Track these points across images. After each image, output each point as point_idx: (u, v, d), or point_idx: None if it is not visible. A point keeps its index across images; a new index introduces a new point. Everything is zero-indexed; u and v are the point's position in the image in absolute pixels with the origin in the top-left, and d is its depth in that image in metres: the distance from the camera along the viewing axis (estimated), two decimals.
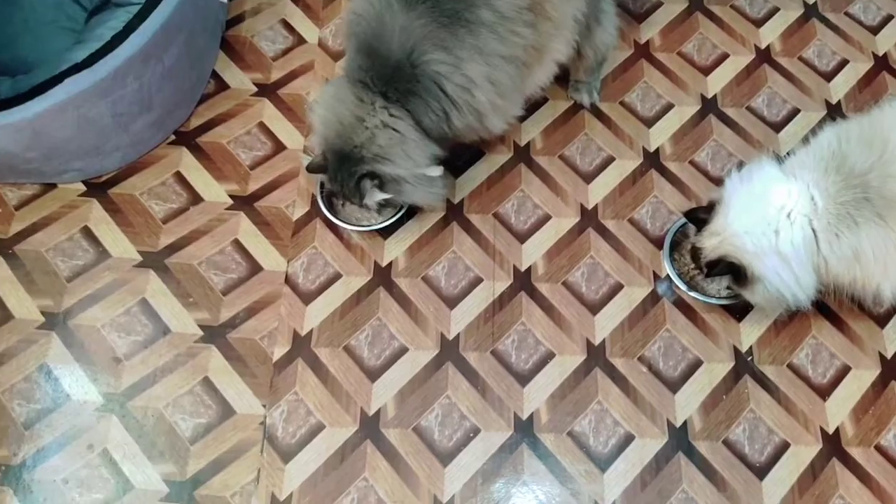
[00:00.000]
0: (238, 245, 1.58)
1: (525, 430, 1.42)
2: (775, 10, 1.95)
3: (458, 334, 1.51)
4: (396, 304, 1.53)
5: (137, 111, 1.55)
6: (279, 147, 1.70)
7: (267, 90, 1.77)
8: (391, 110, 1.37)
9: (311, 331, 1.50)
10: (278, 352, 1.47)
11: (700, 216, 1.42)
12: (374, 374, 1.46)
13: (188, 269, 1.55)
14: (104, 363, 1.44)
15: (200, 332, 1.48)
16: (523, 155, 1.72)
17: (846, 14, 1.95)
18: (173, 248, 1.56)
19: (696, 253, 1.45)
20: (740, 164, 1.41)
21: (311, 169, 1.47)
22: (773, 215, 1.31)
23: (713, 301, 1.53)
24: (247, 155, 1.69)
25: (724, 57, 1.88)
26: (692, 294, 1.53)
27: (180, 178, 1.65)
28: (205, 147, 1.69)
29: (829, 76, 1.85)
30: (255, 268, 1.56)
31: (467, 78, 1.38)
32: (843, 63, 1.87)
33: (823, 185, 1.29)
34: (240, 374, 1.45)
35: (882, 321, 1.56)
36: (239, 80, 1.79)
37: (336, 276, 1.55)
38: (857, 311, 1.56)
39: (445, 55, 1.36)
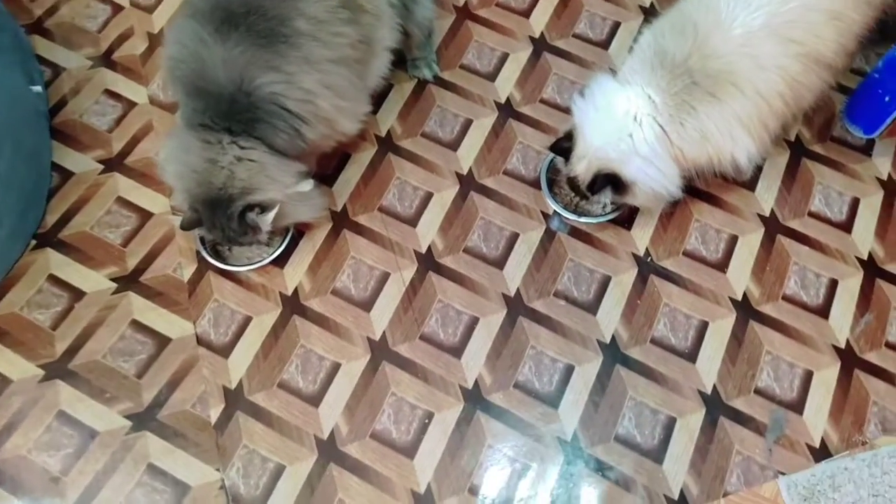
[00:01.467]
0: (137, 325, 1.53)
1: (474, 398, 1.46)
2: None
3: (384, 332, 1.52)
4: (315, 326, 1.53)
5: None
6: (146, 216, 1.65)
7: (113, 164, 1.71)
8: (240, 143, 1.36)
9: (241, 381, 1.47)
10: (214, 413, 1.44)
11: (564, 146, 1.49)
12: (315, 400, 1.46)
13: (94, 366, 1.49)
14: (43, 487, 1.37)
15: (129, 423, 1.43)
16: (388, 144, 1.74)
17: None
18: (72, 350, 1.50)
19: (573, 182, 1.52)
20: (582, 90, 1.48)
21: (186, 226, 1.44)
22: (622, 122, 1.39)
23: (602, 219, 1.61)
24: (115, 234, 1.63)
25: None
26: (582, 220, 1.61)
27: (55, 279, 1.57)
28: (69, 241, 1.61)
29: None
30: (162, 341, 1.51)
31: (304, 90, 1.39)
32: None
33: (655, 82, 1.38)
34: (183, 448, 1.41)
35: (751, 185, 1.69)
36: (82, 163, 1.71)
37: (247, 321, 1.53)
38: (726, 184, 1.68)
39: (276, 74, 1.36)
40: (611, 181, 1.43)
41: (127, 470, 1.39)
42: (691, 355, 1.50)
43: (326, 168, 1.70)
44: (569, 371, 1.49)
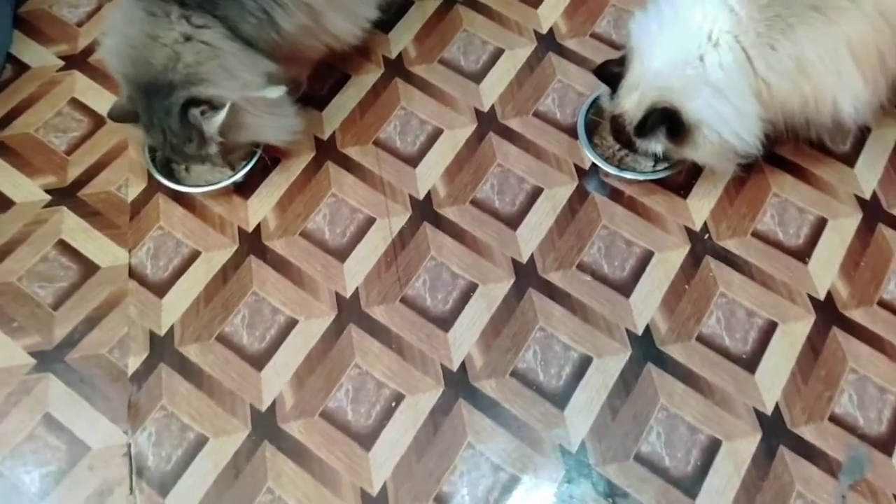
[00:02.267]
0: (64, 246, 1.26)
1: (459, 382, 1.14)
2: None
3: (357, 289, 1.21)
4: (274, 272, 1.23)
5: None
6: (99, 122, 1.38)
7: (76, 62, 1.45)
8: (193, 19, 1.07)
9: (172, 327, 1.19)
10: (133, 363, 1.16)
11: (613, 70, 1.16)
12: (260, 361, 1.16)
13: (6, 288, 1.22)
14: None
15: (33, 361, 1.16)
16: (397, 68, 1.43)
17: None
18: None
19: (617, 124, 1.19)
20: (646, 4, 1.15)
21: (115, 115, 1.16)
22: (692, 41, 1.05)
23: (652, 176, 1.27)
24: (61, 139, 1.36)
25: None
26: (625, 175, 1.26)
27: None
28: (8, 142, 1.36)
29: None
30: (89, 268, 1.24)
31: None
32: None
33: None
34: (88, 400, 1.13)
35: (850, 159, 1.31)
36: (41, 57, 1.46)
37: (193, 256, 1.25)
38: (818, 153, 1.31)
39: None
40: (668, 119, 1.09)
41: (19, 417, 1.12)
42: (750, 363, 1.14)
43: (319, 89, 1.40)
44: (584, 363, 1.15)
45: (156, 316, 1.20)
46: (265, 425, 1.11)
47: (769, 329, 1.17)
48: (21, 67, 1.45)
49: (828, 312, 1.18)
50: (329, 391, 1.13)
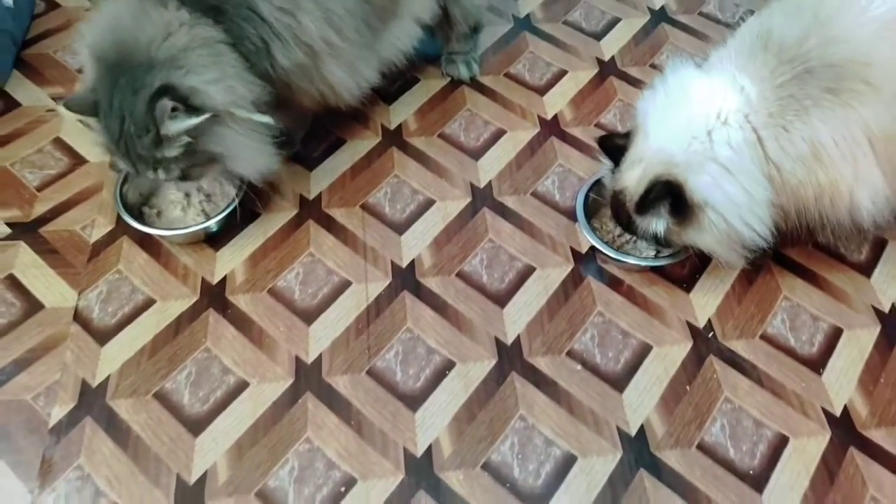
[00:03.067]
0: (12, 281, 1.16)
1: (421, 471, 0.98)
2: None
3: (321, 355, 1.09)
4: (232, 328, 1.11)
5: None
6: (78, 162, 1.32)
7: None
8: (195, 15, 1.00)
9: (108, 378, 1.06)
10: (57, 413, 1.02)
11: (616, 143, 1.10)
12: (198, 426, 1.02)
13: None
14: None
15: None
16: (394, 138, 1.39)
17: None
18: None
19: (617, 201, 1.11)
20: (653, 80, 1.11)
21: (73, 105, 1.01)
22: (700, 118, 0.99)
23: (653, 263, 1.17)
24: (34, 175, 1.30)
25: (616, 21, 1.64)
26: (625, 259, 1.17)
27: None
28: None
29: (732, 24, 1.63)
30: (33, 306, 1.13)
31: None
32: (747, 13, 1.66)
33: (752, 69, 0.99)
34: None
35: (866, 268, 1.22)
36: (35, 97, 1.43)
37: (147, 304, 1.14)
38: (832, 259, 1.22)
39: None
40: (671, 193, 1.00)
41: None
42: (758, 480, 0.99)
43: (313, 150, 1.35)
44: (568, 462, 1.00)
45: (92, 364, 1.07)
46: (190, 501, 0.95)
47: (779, 444, 1.03)
48: (11, 104, 1.42)
49: (845, 430, 1.04)
50: (271, 467, 0.98)
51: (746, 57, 1.00)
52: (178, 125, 0.97)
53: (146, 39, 0.96)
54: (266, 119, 1.05)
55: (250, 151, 1.07)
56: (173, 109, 0.96)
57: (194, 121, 0.96)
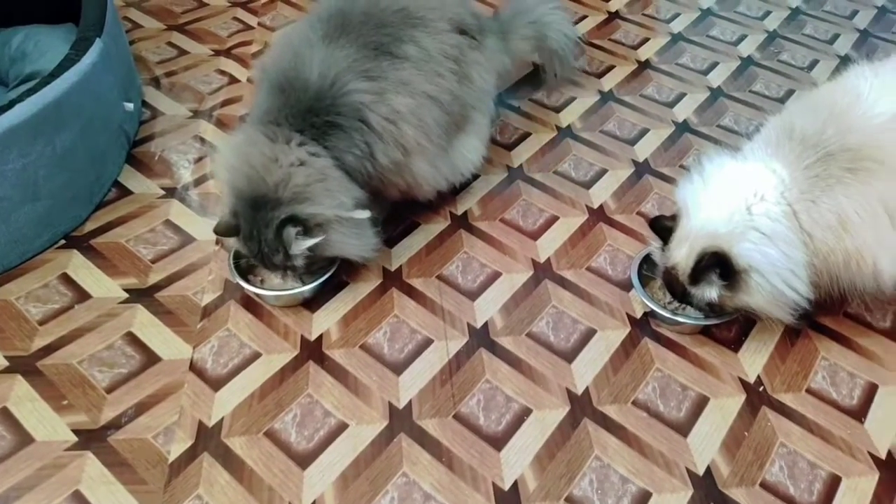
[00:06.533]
0: (131, 337, 1.29)
1: (511, 502, 1.08)
2: (682, 94, 2.02)
3: (410, 401, 1.21)
4: (330, 377, 1.24)
5: (20, 198, 1.36)
6: (188, 240, 1.50)
7: (176, 193, 1.62)
8: (309, 148, 1.24)
9: (222, 420, 1.17)
10: (176, 450, 1.13)
11: (665, 224, 1.27)
12: (306, 460, 1.12)
13: (65, 369, 1.24)
14: None
15: (74, 438, 1.13)
16: (461, 222, 1.58)
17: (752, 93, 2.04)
18: (50, 348, 1.27)
19: (670, 276, 1.27)
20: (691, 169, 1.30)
21: (221, 230, 1.27)
22: (739, 196, 1.17)
23: (704, 322, 1.31)
24: (149, 250, 1.47)
25: (645, 131, 1.88)
26: (678, 318, 1.31)
27: (66, 278, 1.40)
28: (99, 247, 1.47)
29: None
30: (150, 359, 1.26)
31: (392, 109, 1.29)
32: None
33: (781, 155, 1.19)
34: (124, 483, 1.08)
35: (892, 333, 1.36)
36: (145, 186, 1.64)
37: (254, 357, 1.27)
38: (861, 326, 1.37)
39: (369, 85, 1.28)
40: (719, 263, 1.17)
41: (46, 493, 1.07)
42: None
43: (392, 231, 1.53)
44: (643, 499, 1.09)
45: (207, 407, 1.19)
46: None
47: (833, 483, 1.12)
48: (124, 192, 1.62)
49: (892, 470, 1.14)
50: (373, 497, 1.08)
51: (775, 146, 1.20)
52: (301, 245, 1.21)
53: (274, 183, 1.21)
54: (367, 214, 1.27)
55: (356, 240, 1.29)
56: (297, 234, 1.20)
57: (314, 240, 1.21)
